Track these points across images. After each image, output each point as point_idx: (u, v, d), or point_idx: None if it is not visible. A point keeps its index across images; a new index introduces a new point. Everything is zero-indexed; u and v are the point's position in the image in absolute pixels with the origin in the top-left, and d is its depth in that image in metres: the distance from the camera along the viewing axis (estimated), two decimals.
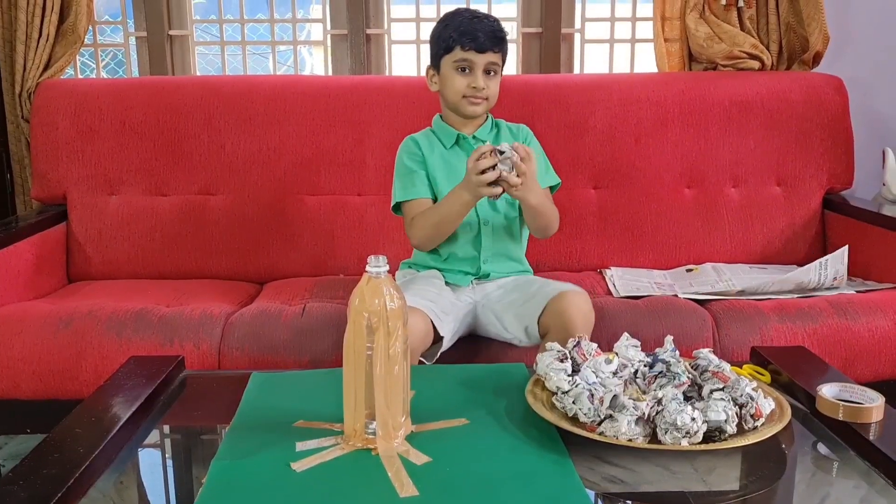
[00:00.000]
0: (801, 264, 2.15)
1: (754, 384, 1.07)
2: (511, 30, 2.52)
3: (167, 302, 1.83)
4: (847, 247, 1.86)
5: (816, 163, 2.20)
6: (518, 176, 1.43)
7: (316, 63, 3.16)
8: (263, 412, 1.14)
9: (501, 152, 1.42)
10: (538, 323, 1.50)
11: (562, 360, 1.12)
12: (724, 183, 2.20)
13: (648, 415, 1.00)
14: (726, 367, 1.10)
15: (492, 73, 1.62)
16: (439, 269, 1.67)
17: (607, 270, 2.08)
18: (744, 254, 2.16)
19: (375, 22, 2.51)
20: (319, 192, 2.15)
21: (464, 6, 1.74)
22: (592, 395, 1.02)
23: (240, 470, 0.96)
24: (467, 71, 1.60)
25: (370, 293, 0.99)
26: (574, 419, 1.03)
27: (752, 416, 1.03)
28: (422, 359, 1.46)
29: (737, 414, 1.02)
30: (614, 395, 1.02)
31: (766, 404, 1.04)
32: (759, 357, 1.33)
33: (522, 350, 1.57)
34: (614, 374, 1.11)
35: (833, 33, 2.27)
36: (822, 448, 1.07)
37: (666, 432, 0.98)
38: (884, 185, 2.24)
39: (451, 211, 1.55)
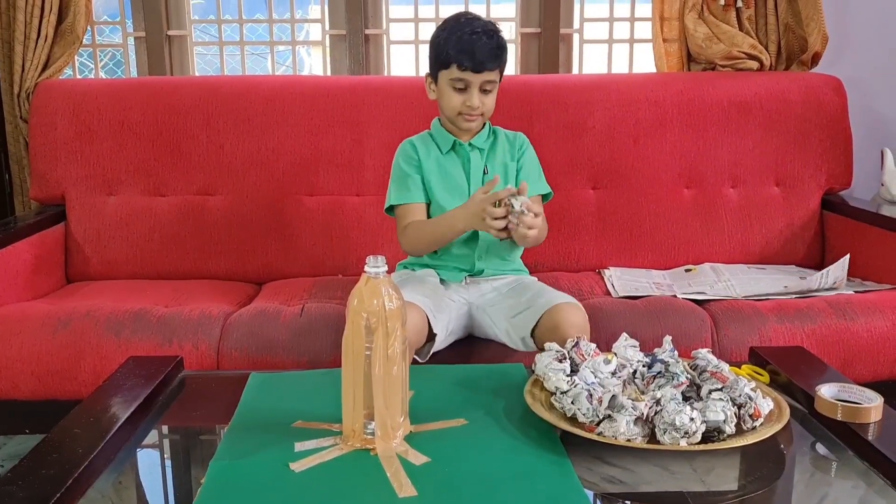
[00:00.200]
0: (799, 264, 2.16)
1: (753, 384, 1.07)
2: (510, 30, 2.52)
3: (166, 302, 1.83)
4: (848, 256, 1.87)
5: (815, 163, 2.20)
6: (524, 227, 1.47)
7: (314, 63, 3.16)
8: (262, 412, 1.14)
9: (513, 207, 1.46)
10: (532, 336, 1.50)
11: (560, 361, 1.12)
12: (723, 183, 2.20)
13: (647, 415, 1.01)
14: (725, 367, 1.11)
15: (488, 89, 1.62)
16: (434, 267, 1.68)
17: (606, 271, 2.08)
18: (742, 254, 2.16)
19: (374, 22, 2.51)
20: (318, 193, 2.15)
21: (465, 10, 1.73)
22: (591, 396, 1.02)
23: (238, 470, 0.96)
24: (463, 89, 1.60)
25: (369, 294, 0.99)
26: (573, 419, 1.03)
27: (750, 416, 1.03)
28: (415, 356, 1.47)
29: (735, 414, 1.02)
30: (613, 396, 1.02)
31: (765, 404, 1.04)
32: (757, 357, 1.33)
33: (521, 351, 1.57)
34: (613, 374, 1.11)
35: (832, 33, 2.27)
36: (820, 448, 1.07)
37: (665, 432, 0.98)
38: (882, 185, 2.25)
39: (443, 237, 1.61)
